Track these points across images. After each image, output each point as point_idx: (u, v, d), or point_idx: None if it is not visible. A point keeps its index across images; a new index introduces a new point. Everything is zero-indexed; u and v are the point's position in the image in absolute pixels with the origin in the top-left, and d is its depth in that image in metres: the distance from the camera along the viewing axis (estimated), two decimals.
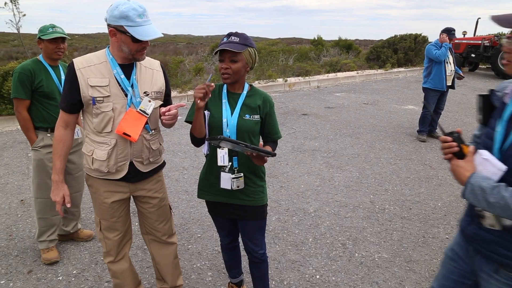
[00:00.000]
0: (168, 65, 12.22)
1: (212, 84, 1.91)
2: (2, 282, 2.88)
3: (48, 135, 2.97)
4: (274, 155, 1.94)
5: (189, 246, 3.33)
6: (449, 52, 6.19)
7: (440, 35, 6.19)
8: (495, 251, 1.42)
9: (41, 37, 2.88)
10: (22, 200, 4.25)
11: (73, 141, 2.30)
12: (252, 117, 2.08)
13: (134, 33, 1.87)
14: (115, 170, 2.07)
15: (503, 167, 1.34)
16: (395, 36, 18.48)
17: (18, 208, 4.09)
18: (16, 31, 8.90)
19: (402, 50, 17.60)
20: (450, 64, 6.25)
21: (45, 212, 3.06)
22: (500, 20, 1.33)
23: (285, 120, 7.66)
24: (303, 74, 13.76)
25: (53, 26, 2.92)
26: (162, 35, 1.98)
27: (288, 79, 12.59)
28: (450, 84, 6.32)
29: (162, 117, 2.00)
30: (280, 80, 12.25)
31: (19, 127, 3.07)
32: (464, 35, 15.90)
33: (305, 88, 12.24)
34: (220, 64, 2.03)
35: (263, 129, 2.15)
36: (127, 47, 1.94)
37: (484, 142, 1.51)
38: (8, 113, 7.46)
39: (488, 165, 1.38)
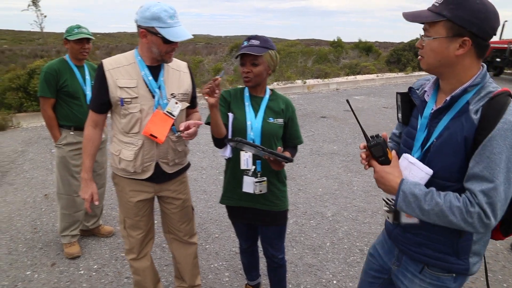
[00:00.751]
0: (188, 65, 12.36)
1: (218, 77, 1.84)
2: (28, 273, 2.98)
3: (71, 133, 3.05)
4: (291, 161, 1.93)
5: (207, 246, 3.36)
6: None
7: None
8: (422, 252, 1.43)
9: (67, 37, 2.96)
10: (46, 195, 4.37)
11: None
12: (276, 120, 2.08)
13: (166, 34, 1.89)
14: (141, 170, 2.11)
15: (430, 171, 1.32)
16: (417, 38, 18.11)
17: (42, 202, 4.21)
18: (41, 32, 9.23)
19: None
20: None
21: (68, 208, 3.14)
22: (407, 16, 1.32)
23: (303, 123, 7.64)
24: (322, 76, 13.71)
25: (78, 27, 2.99)
26: (192, 37, 1.99)
27: (307, 81, 12.56)
28: None
29: (181, 134, 2.00)
30: (299, 82, 12.23)
31: (43, 123, 3.16)
32: None
33: (324, 90, 12.19)
34: (242, 68, 2.03)
35: (285, 133, 2.16)
36: (157, 48, 1.96)
37: (405, 141, 1.49)
38: (34, 110, 7.68)
39: (415, 169, 1.34)
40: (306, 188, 4.60)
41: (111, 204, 4.09)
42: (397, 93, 1.55)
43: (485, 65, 1.32)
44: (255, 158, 2.06)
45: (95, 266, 3.06)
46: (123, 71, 2.02)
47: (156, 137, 2.02)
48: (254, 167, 2.07)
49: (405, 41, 18.92)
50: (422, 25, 1.34)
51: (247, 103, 2.10)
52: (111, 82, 2.00)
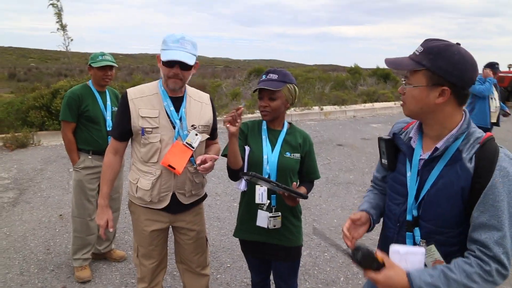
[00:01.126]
0: (206, 88, 12.53)
1: (241, 106, 1.86)
2: None
3: (89, 157, 3.09)
4: (305, 197, 1.90)
5: (218, 276, 3.30)
6: (493, 88, 5.96)
7: (483, 70, 6.00)
8: None
9: (91, 64, 3.04)
10: (60, 215, 4.40)
11: None
12: (293, 155, 2.06)
13: (163, 54, 1.95)
14: (158, 200, 2.11)
15: (423, 250, 1.32)
16: None
17: (57, 222, 4.24)
18: (66, 51, 9.60)
19: None
20: (495, 100, 6.00)
21: (81, 231, 3.15)
22: (389, 63, 1.36)
23: (319, 150, 7.59)
24: (339, 103, 13.70)
25: (102, 54, 3.07)
26: (185, 61, 1.92)
27: (324, 107, 12.57)
28: (494, 121, 6.06)
29: (197, 168, 1.98)
30: (316, 108, 12.24)
31: (63, 142, 3.21)
32: (510, 68, 15.34)
33: (341, 117, 12.15)
34: (260, 102, 2.04)
35: (301, 168, 2.13)
36: (162, 72, 2.02)
37: (393, 187, 1.49)
38: (55, 128, 7.87)
39: (410, 257, 1.31)
40: (321, 219, 4.52)
41: (124, 228, 4.08)
42: (379, 138, 1.53)
43: (467, 112, 1.34)
44: (270, 192, 2.03)
45: None
46: (146, 100, 2.06)
47: (174, 168, 2.02)
48: (268, 201, 2.04)
49: None
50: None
51: (264, 137, 2.09)
52: (134, 112, 2.03)
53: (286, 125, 2.14)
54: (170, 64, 1.95)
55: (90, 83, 3.15)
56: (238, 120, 1.85)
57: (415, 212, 1.37)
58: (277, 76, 2.00)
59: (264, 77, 2.03)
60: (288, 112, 9.86)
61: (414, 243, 1.40)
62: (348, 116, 12.34)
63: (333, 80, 18.70)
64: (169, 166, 2.01)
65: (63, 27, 9.35)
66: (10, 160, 6.55)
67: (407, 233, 1.42)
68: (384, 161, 1.52)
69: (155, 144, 2.04)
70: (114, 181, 2.19)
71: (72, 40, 9.44)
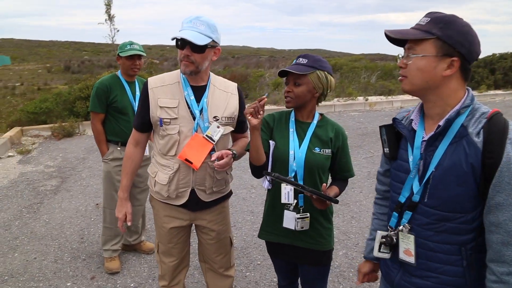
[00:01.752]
0: (248, 78, 12.39)
1: (264, 97, 1.71)
2: (68, 284, 3.00)
3: (118, 148, 3.04)
4: (335, 202, 1.67)
5: (247, 273, 3.16)
6: None
7: None
8: None
9: (119, 53, 2.97)
10: (97, 204, 4.47)
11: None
12: (323, 151, 1.84)
13: (174, 34, 1.79)
14: (175, 196, 1.98)
15: None
16: (493, 54, 16.87)
17: (93, 211, 4.30)
18: (111, 43, 9.90)
19: (501, 71, 15.94)
20: None
21: (110, 222, 3.12)
22: (393, 33, 1.26)
23: (362, 143, 7.22)
24: (386, 93, 13.07)
25: (131, 43, 2.99)
26: (190, 39, 1.74)
27: (369, 98, 12.03)
28: None
29: (213, 164, 1.84)
30: (361, 99, 11.75)
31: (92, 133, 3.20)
32: None
33: (387, 108, 11.57)
34: (285, 88, 1.86)
35: (333, 165, 1.90)
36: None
37: (396, 175, 1.40)
38: None
39: None
40: (360, 216, 4.24)
41: None
42: (380, 126, 1.47)
43: (470, 88, 1.27)
44: (297, 191, 1.83)
45: (132, 285, 2.99)
46: (167, 90, 1.92)
47: (191, 163, 1.88)
48: (295, 201, 1.84)
49: (480, 57, 17.58)
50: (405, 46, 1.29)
51: (292, 130, 1.88)
52: (153, 101, 1.91)
53: (317, 117, 1.92)
54: (180, 45, 1.80)
55: (119, 73, 3.09)
56: (261, 112, 1.69)
57: (416, 198, 1.29)
58: (306, 60, 1.80)
59: (294, 61, 1.84)
60: (331, 102, 9.48)
61: (398, 225, 1.34)
62: (394, 107, 11.72)
63: (380, 69, 17.89)
64: (186, 160, 1.87)
65: (110, 18, 9.62)
66: (57, 149, 6.81)
67: (393, 212, 1.37)
68: (386, 149, 1.44)
69: (173, 136, 1.90)
70: (134, 173, 2.10)
71: (118, 31, 9.70)
